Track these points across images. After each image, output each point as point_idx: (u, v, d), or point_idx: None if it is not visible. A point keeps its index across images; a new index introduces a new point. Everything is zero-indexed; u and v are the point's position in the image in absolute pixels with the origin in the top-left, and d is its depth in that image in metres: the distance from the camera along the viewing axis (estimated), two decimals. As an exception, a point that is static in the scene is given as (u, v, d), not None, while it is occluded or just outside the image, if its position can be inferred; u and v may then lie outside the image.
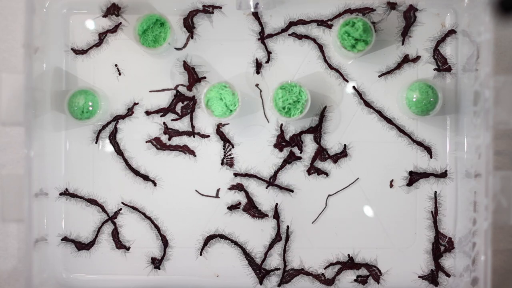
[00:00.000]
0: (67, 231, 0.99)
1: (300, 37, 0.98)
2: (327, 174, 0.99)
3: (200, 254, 0.99)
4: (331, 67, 0.99)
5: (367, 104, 0.98)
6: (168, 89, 0.99)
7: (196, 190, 0.98)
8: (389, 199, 0.99)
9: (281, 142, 0.99)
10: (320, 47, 0.99)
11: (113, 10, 0.98)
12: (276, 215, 0.98)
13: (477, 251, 0.89)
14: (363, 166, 0.99)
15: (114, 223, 0.99)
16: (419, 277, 0.98)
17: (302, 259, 0.99)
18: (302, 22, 0.99)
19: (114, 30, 0.99)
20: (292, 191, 0.98)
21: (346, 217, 0.99)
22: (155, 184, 0.98)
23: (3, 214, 0.87)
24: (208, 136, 0.98)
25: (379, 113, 0.98)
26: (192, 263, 0.99)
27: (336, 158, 0.98)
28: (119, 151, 0.99)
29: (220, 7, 0.98)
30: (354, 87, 0.98)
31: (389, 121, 0.98)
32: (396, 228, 0.99)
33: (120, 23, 0.98)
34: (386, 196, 0.99)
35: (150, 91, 0.99)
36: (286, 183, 0.99)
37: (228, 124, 0.98)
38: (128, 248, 0.98)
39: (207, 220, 0.99)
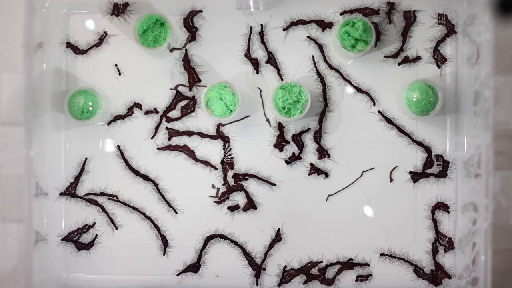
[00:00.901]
0: (67, 231, 0.99)
1: (314, 40, 0.98)
2: (327, 175, 0.99)
3: (200, 254, 0.99)
4: (331, 67, 0.99)
5: (398, 127, 0.99)
6: (186, 85, 0.98)
7: (209, 196, 0.99)
8: (389, 199, 0.99)
9: (281, 142, 0.99)
10: (320, 47, 0.99)
11: (114, 10, 0.98)
12: (278, 236, 0.99)
13: (477, 251, 0.89)
14: (363, 166, 0.99)
15: (113, 222, 0.99)
16: (419, 277, 0.99)
17: (302, 259, 0.99)
18: (302, 22, 0.99)
19: (99, 43, 0.99)
20: (274, 184, 0.98)
21: (346, 217, 0.99)
22: (175, 211, 0.98)
23: (3, 214, 0.87)
24: (228, 141, 0.99)
25: (395, 125, 0.98)
26: (192, 263, 0.99)
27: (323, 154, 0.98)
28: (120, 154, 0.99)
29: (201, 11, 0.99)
30: (379, 111, 0.98)
31: (389, 121, 0.98)
32: (396, 228, 0.99)
33: (106, 33, 0.99)
34: (386, 196, 0.99)
35: (170, 89, 0.98)
36: (287, 183, 0.99)
37: (249, 116, 0.98)
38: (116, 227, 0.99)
39: (207, 220, 0.99)
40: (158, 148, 0.99)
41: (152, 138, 0.99)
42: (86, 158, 0.98)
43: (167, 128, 0.99)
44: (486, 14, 0.87)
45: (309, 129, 0.98)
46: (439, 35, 0.99)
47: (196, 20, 0.99)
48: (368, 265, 0.98)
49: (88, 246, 0.99)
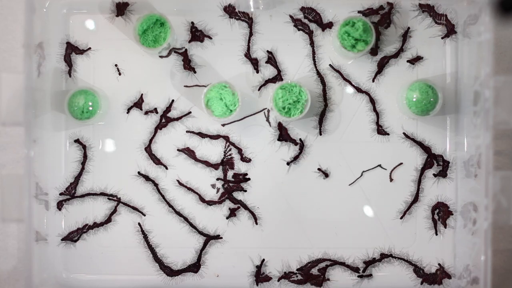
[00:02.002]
0: (67, 231, 0.99)
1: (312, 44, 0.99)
2: (327, 175, 0.99)
3: (200, 254, 0.99)
4: (333, 68, 0.99)
5: (421, 144, 0.99)
6: (201, 85, 0.98)
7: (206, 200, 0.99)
8: (389, 199, 0.99)
9: (281, 142, 0.99)
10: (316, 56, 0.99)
11: (116, 10, 0.98)
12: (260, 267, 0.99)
13: (477, 251, 0.89)
14: (363, 166, 0.99)
15: (103, 223, 0.99)
16: (419, 277, 0.99)
17: (302, 259, 0.99)
18: (302, 22, 0.99)
19: (82, 51, 0.99)
20: (249, 179, 0.98)
21: (346, 217, 0.99)
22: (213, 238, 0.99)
23: (3, 214, 0.87)
24: (250, 161, 0.99)
25: (405, 138, 0.99)
26: (192, 263, 0.99)
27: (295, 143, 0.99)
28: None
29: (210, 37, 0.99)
30: (404, 133, 0.98)
31: (412, 139, 0.98)
32: (396, 228, 0.99)
33: (90, 48, 0.99)
34: (386, 196, 0.99)
35: (185, 86, 0.98)
36: (287, 183, 0.99)
37: (265, 109, 0.98)
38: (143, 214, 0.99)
39: (207, 220, 0.99)
40: (178, 150, 0.98)
41: (148, 144, 0.99)
42: (85, 147, 0.98)
43: (188, 131, 0.99)
44: (486, 14, 0.87)
45: (300, 139, 0.99)
46: (439, 35, 0.99)
47: (196, 20, 0.99)
48: (354, 266, 0.99)
49: (106, 222, 0.99)
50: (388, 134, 0.98)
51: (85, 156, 0.99)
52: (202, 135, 0.99)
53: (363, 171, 0.99)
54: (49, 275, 0.97)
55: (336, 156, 0.99)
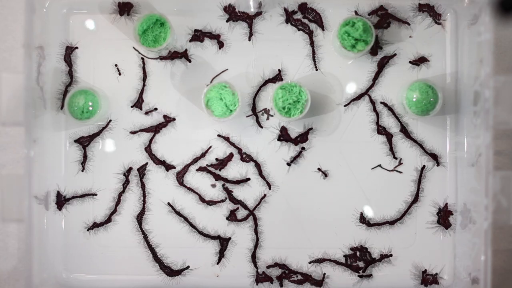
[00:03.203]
0: (67, 231, 0.99)
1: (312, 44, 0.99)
2: (326, 175, 0.99)
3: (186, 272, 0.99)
4: (389, 108, 0.99)
5: (417, 142, 0.99)
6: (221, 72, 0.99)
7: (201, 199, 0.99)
8: (389, 199, 0.99)
9: (281, 142, 0.99)
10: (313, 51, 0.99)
11: (119, 10, 0.98)
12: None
13: (477, 251, 0.89)
14: (363, 166, 0.99)
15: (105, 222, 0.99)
16: (418, 277, 0.99)
17: (302, 259, 0.99)
18: (302, 22, 0.99)
19: (72, 50, 0.99)
20: (249, 179, 0.99)
21: (346, 217, 0.99)
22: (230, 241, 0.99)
23: (3, 214, 0.87)
24: (248, 179, 0.99)
25: (408, 134, 0.99)
26: (192, 263, 0.99)
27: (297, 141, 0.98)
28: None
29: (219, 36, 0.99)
30: (404, 132, 0.98)
31: (408, 136, 0.98)
32: (396, 228, 0.99)
33: (77, 47, 0.99)
34: (387, 196, 0.99)
35: (207, 85, 0.98)
36: (287, 183, 0.99)
37: (265, 108, 0.98)
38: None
39: (207, 220, 0.99)
40: (207, 166, 0.99)
41: (148, 144, 0.99)
42: (85, 147, 0.98)
43: (219, 135, 0.99)
44: (486, 14, 0.87)
45: (311, 128, 0.98)
46: (439, 35, 0.99)
47: (196, 21, 0.99)
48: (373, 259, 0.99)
49: (106, 222, 0.99)
50: (391, 135, 0.98)
51: (85, 156, 0.99)
52: (226, 138, 0.98)
53: (363, 171, 0.99)
54: (49, 275, 0.97)
55: (336, 156, 0.99)
